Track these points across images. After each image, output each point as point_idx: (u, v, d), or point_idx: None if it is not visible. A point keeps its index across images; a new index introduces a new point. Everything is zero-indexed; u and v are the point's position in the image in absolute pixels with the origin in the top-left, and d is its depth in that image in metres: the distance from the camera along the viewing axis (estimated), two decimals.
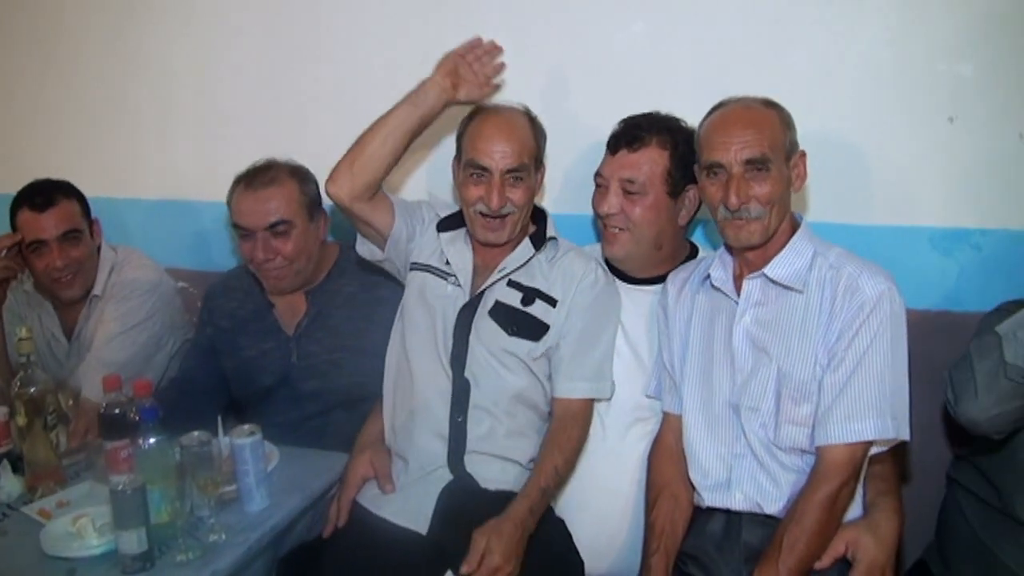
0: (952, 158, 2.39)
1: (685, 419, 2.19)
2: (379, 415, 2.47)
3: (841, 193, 2.49)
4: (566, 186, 2.69)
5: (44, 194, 2.73)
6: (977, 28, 2.33)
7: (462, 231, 2.41)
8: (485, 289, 2.34)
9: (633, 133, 2.29)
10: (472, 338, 2.32)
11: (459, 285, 2.36)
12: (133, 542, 1.91)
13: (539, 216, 2.41)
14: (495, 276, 2.33)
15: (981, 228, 2.40)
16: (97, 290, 2.84)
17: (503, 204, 2.27)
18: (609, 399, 2.33)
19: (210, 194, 2.88)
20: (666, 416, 2.27)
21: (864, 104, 2.44)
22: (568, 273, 2.33)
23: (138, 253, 2.98)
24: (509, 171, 2.25)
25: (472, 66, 2.35)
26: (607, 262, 2.44)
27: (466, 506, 2.25)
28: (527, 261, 2.32)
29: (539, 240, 2.35)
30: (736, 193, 2.00)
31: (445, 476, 2.30)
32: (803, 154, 2.11)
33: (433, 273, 2.41)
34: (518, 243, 2.37)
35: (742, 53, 2.52)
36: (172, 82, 3.27)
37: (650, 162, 2.27)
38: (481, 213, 2.29)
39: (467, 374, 2.31)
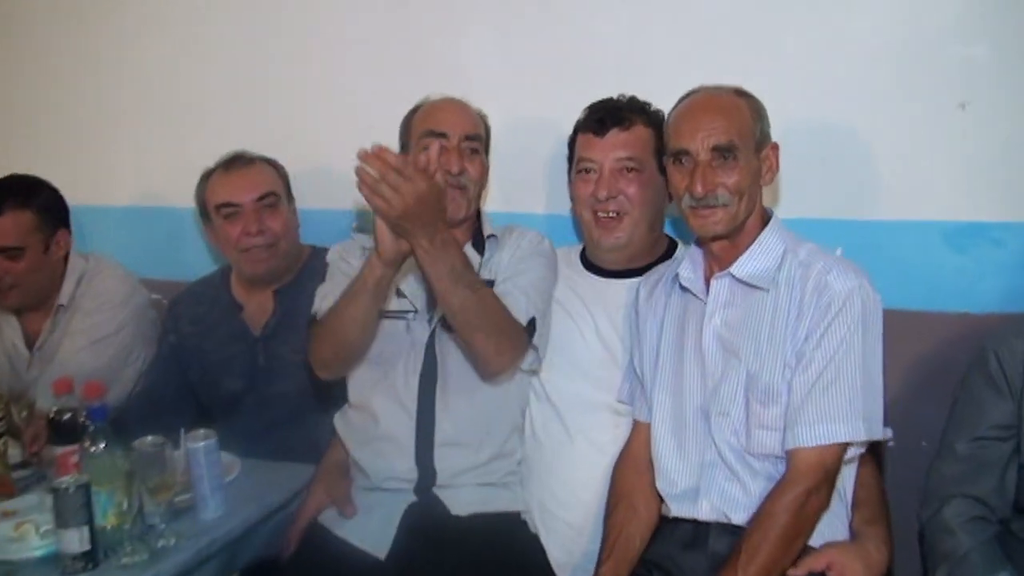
0: (965, 147, 2.43)
1: (653, 427, 2.29)
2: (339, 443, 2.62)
3: (843, 187, 2.57)
4: (552, 184, 2.83)
5: None
6: (991, 5, 2.39)
7: None
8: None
9: (620, 113, 2.46)
10: (439, 361, 2.45)
11: (415, 319, 2.49)
12: (75, 541, 2.03)
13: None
14: None
15: (1001, 222, 2.44)
16: (62, 300, 2.99)
17: (463, 170, 2.43)
18: (532, 338, 2.39)
19: (186, 199, 3.01)
20: (635, 424, 2.37)
21: (865, 91, 2.50)
22: (504, 255, 2.49)
23: (111, 262, 3.12)
24: (468, 137, 2.41)
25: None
26: (583, 258, 2.61)
27: (431, 529, 2.37)
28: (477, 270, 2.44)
29: (479, 243, 2.51)
30: (701, 181, 2.09)
31: (409, 499, 2.43)
32: (775, 146, 2.20)
33: (388, 317, 2.48)
34: (462, 245, 2.47)
35: (729, 37, 2.62)
36: (145, 83, 3.46)
37: (642, 139, 2.44)
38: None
39: (438, 406, 2.43)
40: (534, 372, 2.51)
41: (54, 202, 3.01)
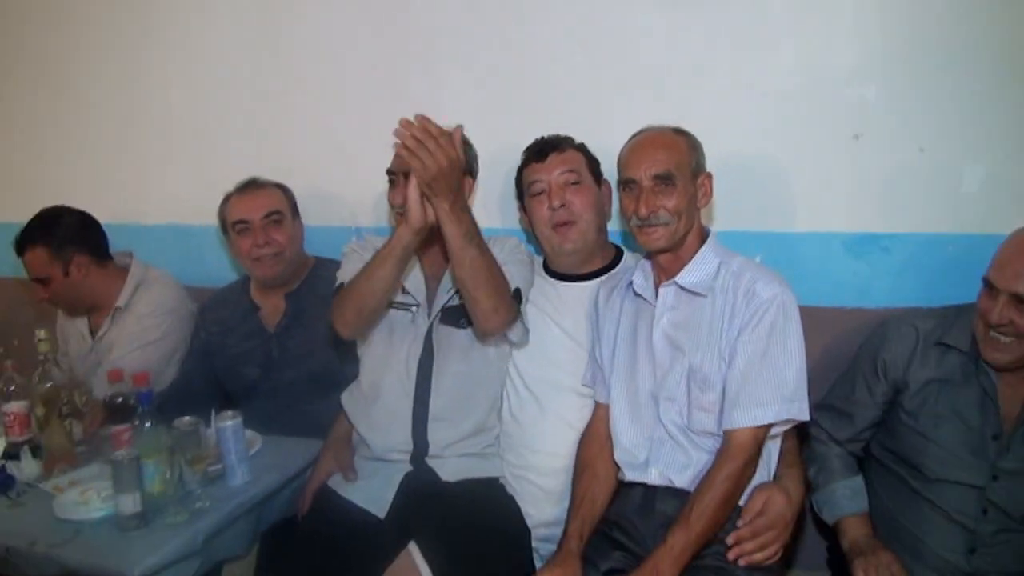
0: (859, 171, 2.74)
1: (612, 407, 2.57)
2: (344, 417, 2.91)
3: (763, 204, 2.85)
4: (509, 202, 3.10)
5: (19, 244, 3.29)
6: (879, 54, 2.69)
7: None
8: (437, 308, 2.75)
9: (553, 143, 2.80)
10: (435, 349, 2.74)
11: (418, 312, 2.76)
12: (129, 504, 2.35)
13: None
14: (446, 296, 2.75)
15: (889, 232, 2.75)
16: (120, 302, 3.35)
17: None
18: (520, 338, 2.73)
19: (204, 218, 3.45)
20: (596, 405, 2.66)
21: (781, 123, 2.80)
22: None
23: (166, 274, 3.51)
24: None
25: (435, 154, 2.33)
26: (544, 267, 2.91)
27: (424, 493, 2.66)
28: None
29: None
30: (645, 204, 2.38)
31: (406, 468, 2.72)
32: (709, 175, 2.48)
33: (395, 308, 2.78)
34: (440, 271, 2.80)
35: (668, 81, 2.93)
36: (171, 113, 3.79)
37: (575, 159, 2.79)
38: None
39: (432, 386, 2.71)
40: (522, 345, 2.77)
41: (71, 230, 3.33)
